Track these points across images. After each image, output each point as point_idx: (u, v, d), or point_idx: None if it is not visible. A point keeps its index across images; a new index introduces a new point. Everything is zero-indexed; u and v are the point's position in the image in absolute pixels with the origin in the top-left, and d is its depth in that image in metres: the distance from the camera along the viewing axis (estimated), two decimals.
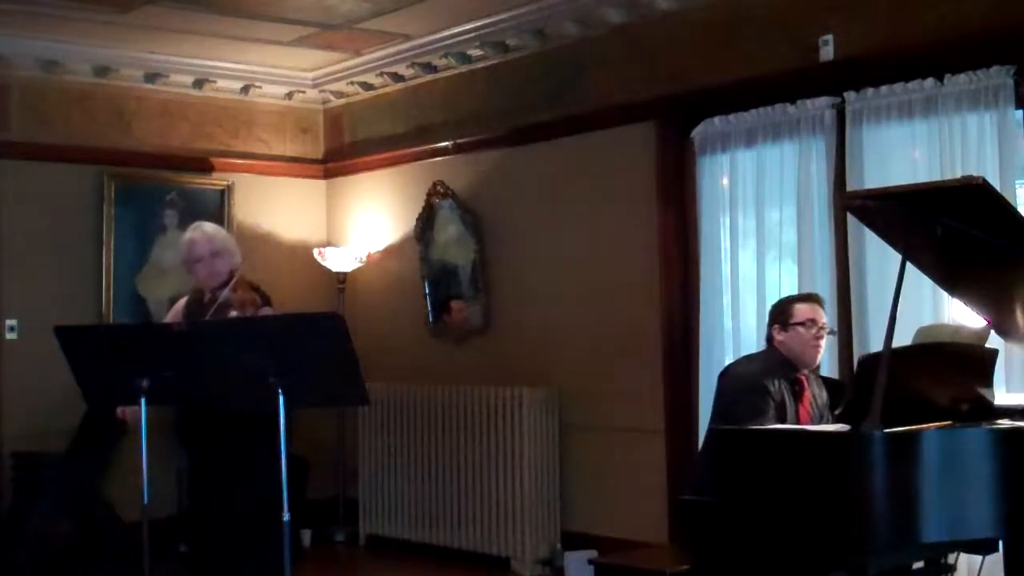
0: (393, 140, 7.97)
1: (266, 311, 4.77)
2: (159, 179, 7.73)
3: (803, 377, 4.60)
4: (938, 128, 5.26)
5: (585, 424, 6.71)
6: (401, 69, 7.69)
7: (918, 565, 4.19)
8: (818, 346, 4.58)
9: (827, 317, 4.74)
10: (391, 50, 7.51)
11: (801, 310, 4.57)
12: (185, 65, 7.66)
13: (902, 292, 3.62)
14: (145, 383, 4.34)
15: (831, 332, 4.73)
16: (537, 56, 6.98)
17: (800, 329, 4.53)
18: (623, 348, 6.51)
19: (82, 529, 6.79)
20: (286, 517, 4.00)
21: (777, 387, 4.47)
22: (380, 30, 7.11)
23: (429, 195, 7.62)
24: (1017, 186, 5.12)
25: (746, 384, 4.48)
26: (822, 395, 4.68)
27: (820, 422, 4.55)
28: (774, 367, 4.54)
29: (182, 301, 5.15)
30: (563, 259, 6.85)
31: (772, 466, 3.63)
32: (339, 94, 8.25)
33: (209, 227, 5.06)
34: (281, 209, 8.11)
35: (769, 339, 4.65)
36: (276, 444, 4.17)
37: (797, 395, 4.55)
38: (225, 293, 4.76)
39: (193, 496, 5.26)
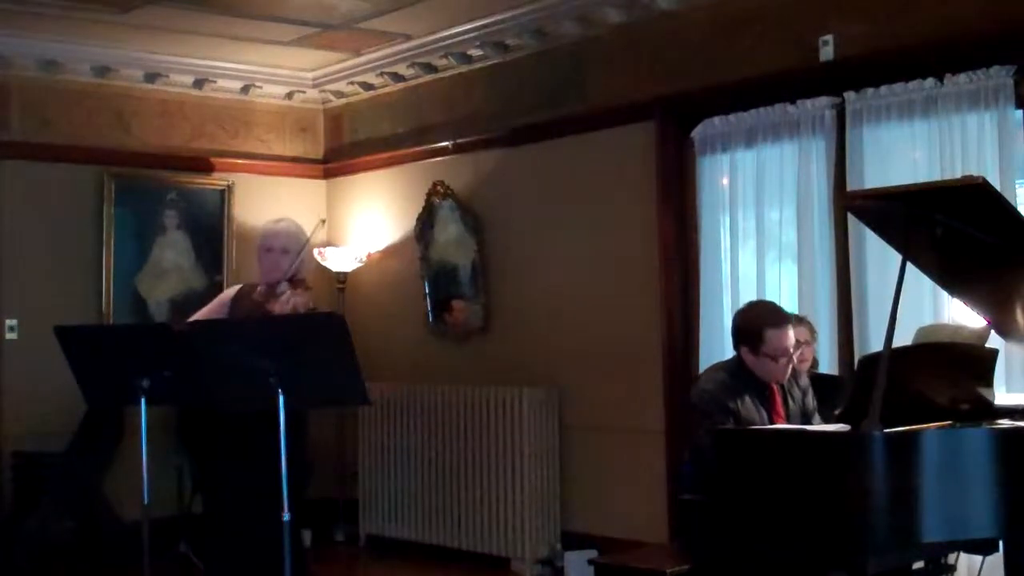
0: (393, 140, 7.97)
1: None
2: (159, 179, 7.73)
3: (773, 386, 4.49)
4: (938, 128, 5.26)
5: (585, 424, 6.71)
6: (401, 69, 7.69)
7: (918, 565, 4.18)
8: (787, 369, 4.41)
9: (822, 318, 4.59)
10: (391, 50, 7.51)
11: (772, 339, 4.32)
12: (185, 65, 7.66)
13: (902, 292, 3.62)
14: (145, 383, 4.34)
15: (805, 344, 4.54)
16: (537, 56, 6.98)
17: (770, 361, 4.35)
18: (623, 348, 6.51)
19: (82, 529, 6.79)
20: (286, 517, 4.01)
21: (740, 402, 4.34)
22: (380, 30, 7.11)
23: (429, 195, 7.62)
24: (1017, 186, 5.12)
25: (705, 401, 4.37)
26: (800, 386, 4.59)
27: (802, 419, 4.51)
28: (740, 379, 4.40)
29: (231, 291, 5.11)
30: (563, 259, 6.85)
31: (772, 466, 3.63)
32: (339, 94, 8.25)
33: (294, 226, 4.99)
34: (281, 209, 8.03)
35: (736, 350, 4.48)
36: (294, 444, 4.17)
37: (768, 402, 4.44)
38: (283, 285, 4.77)
39: (209, 498, 5.25)
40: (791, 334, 4.40)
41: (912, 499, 3.40)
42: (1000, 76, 5.07)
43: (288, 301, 4.72)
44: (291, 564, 4.02)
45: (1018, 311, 4.12)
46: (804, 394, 4.60)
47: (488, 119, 7.29)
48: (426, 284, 7.68)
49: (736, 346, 4.49)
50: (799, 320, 4.93)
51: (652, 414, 6.33)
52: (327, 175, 8.46)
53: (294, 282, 4.87)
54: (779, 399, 4.48)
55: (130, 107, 7.67)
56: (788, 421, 4.47)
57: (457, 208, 7.46)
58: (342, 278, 7.93)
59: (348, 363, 3.95)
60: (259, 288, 4.91)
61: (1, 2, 6.42)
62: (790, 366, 4.45)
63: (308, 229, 5.03)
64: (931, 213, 3.64)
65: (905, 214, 3.68)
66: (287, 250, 4.88)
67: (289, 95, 8.25)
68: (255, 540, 4.48)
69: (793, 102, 5.78)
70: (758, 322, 4.41)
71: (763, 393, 4.45)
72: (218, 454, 4.96)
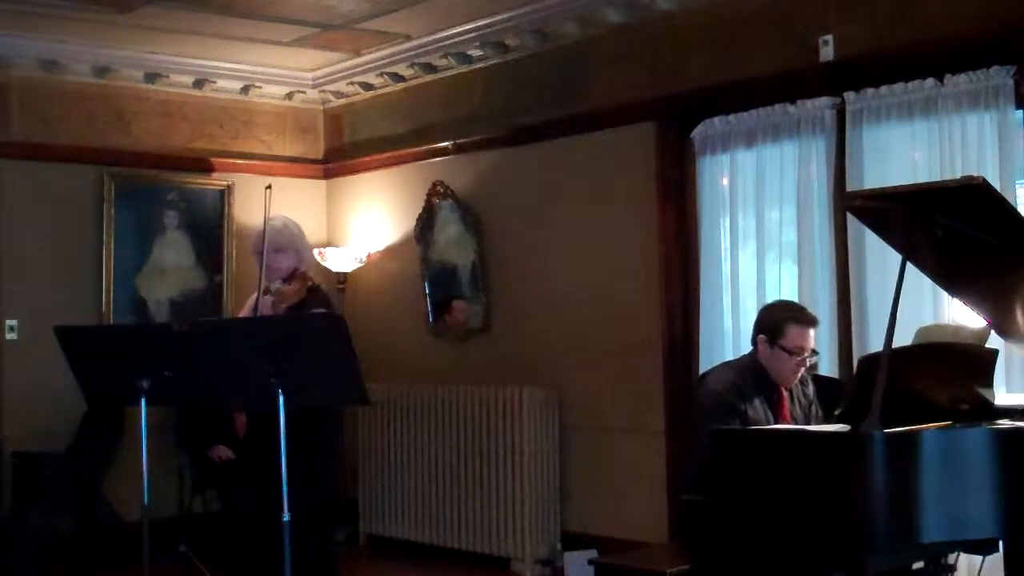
0: (393, 140, 7.97)
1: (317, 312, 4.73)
2: (159, 179, 7.73)
3: (781, 389, 4.50)
4: (938, 128, 5.26)
5: (585, 424, 6.71)
6: (401, 69, 7.69)
7: (918, 565, 4.18)
8: (798, 373, 4.45)
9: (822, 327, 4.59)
10: (391, 50, 7.51)
11: (793, 335, 4.39)
12: (185, 65, 7.66)
13: (902, 292, 3.62)
14: (145, 383, 4.34)
15: (814, 353, 4.56)
16: (537, 56, 6.98)
17: (784, 355, 4.39)
18: (623, 348, 6.51)
19: (82, 529, 6.79)
20: (286, 517, 4.00)
21: (749, 403, 4.36)
22: (380, 30, 7.11)
23: (429, 195, 7.62)
24: (1017, 186, 5.11)
25: (713, 401, 4.39)
26: (807, 394, 4.61)
27: (803, 423, 4.52)
28: (749, 381, 4.42)
29: (255, 295, 5.12)
30: (563, 259, 6.85)
31: (772, 466, 3.63)
32: (339, 94, 8.25)
33: (280, 222, 5.00)
34: (281, 209, 7.94)
35: (754, 343, 4.52)
36: (321, 445, 4.17)
37: (776, 404, 4.46)
38: (276, 283, 4.77)
39: (231, 497, 5.24)
40: (812, 336, 4.45)
41: (912, 499, 3.39)
42: (1000, 76, 5.07)
43: (269, 303, 4.71)
44: (317, 565, 4.01)
45: (1018, 311, 4.12)
46: (810, 403, 4.60)
47: (488, 119, 7.29)
48: (426, 284, 7.68)
49: (753, 338, 4.51)
50: None
51: (652, 414, 6.33)
52: (327, 175, 8.45)
53: (292, 277, 4.86)
54: (786, 404, 4.49)
55: (130, 107, 7.67)
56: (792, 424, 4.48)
57: (457, 208, 7.45)
58: (342, 278, 7.93)
59: (348, 363, 3.95)
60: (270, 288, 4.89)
61: (1, 2, 6.42)
62: (801, 370, 4.46)
63: (304, 227, 5.03)
64: (931, 213, 3.63)
65: (905, 214, 3.68)
66: (279, 248, 4.87)
67: (289, 95, 8.24)
68: (275, 542, 4.46)
69: (793, 102, 5.78)
70: (783, 314, 4.49)
71: (771, 396, 4.46)
72: (240, 458, 4.95)
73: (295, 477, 4.02)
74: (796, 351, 4.38)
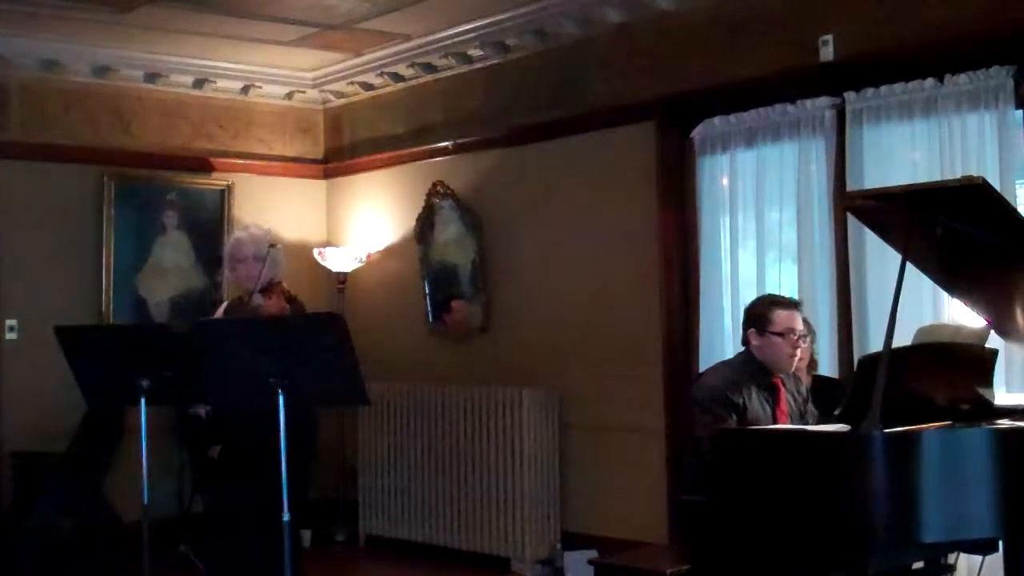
0: (393, 140, 7.97)
1: None
2: (159, 179, 7.73)
3: (778, 380, 4.56)
4: (938, 128, 5.26)
5: (585, 424, 6.71)
6: (401, 69, 7.69)
7: (918, 565, 4.19)
8: (795, 355, 4.51)
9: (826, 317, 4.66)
10: (391, 50, 7.51)
11: (780, 318, 4.47)
12: (185, 65, 7.66)
13: (902, 292, 3.62)
14: (145, 383, 4.34)
15: (806, 337, 4.63)
16: (537, 56, 6.98)
17: (777, 339, 4.45)
18: (623, 348, 6.51)
19: (82, 529, 6.79)
20: (286, 517, 4.00)
21: (747, 397, 4.41)
22: (380, 30, 7.11)
23: (429, 195, 7.62)
24: (1017, 186, 5.12)
25: (710, 397, 4.44)
26: (801, 391, 4.65)
27: (800, 420, 4.54)
28: (746, 375, 4.48)
29: (222, 307, 5.18)
30: (563, 259, 6.85)
31: (772, 466, 3.63)
32: (339, 94, 8.25)
33: (259, 231, 5.07)
34: (281, 209, 8.11)
35: (745, 341, 4.57)
36: (300, 442, 4.19)
37: (773, 399, 4.51)
38: (257, 297, 4.78)
39: (212, 498, 5.28)
40: (799, 318, 4.53)
41: (912, 499, 3.40)
42: (1000, 76, 5.07)
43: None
44: (291, 564, 4.02)
45: (1018, 311, 4.12)
46: (805, 400, 4.63)
47: (488, 119, 7.29)
48: (426, 284, 7.68)
49: (744, 336, 4.57)
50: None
51: (652, 414, 6.33)
52: (327, 175, 8.46)
53: (270, 288, 4.88)
54: (783, 397, 4.52)
55: (130, 107, 7.67)
56: (789, 422, 4.50)
57: (457, 208, 7.45)
58: (342, 278, 7.93)
59: (348, 363, 3.96)
60: (247, 299, 4.92)
61: (1, 2, 6.42)
62: (797, 354, 4.50)
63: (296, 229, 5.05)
64: (931, 213, 3.64)
65: (905, 214, 3.68)
66: (260, 257, 4.89)
67: (289, 95, 8.25)
68: (256, 541, 4.48)
69: (793, 102, 5.78)
70: (765, 303, 4.61)
71: (768, 390, 4.51)
72: (222, 454, 4.97)
73: (272, 476, 4.03)
74: (787, 332, 4.45)
